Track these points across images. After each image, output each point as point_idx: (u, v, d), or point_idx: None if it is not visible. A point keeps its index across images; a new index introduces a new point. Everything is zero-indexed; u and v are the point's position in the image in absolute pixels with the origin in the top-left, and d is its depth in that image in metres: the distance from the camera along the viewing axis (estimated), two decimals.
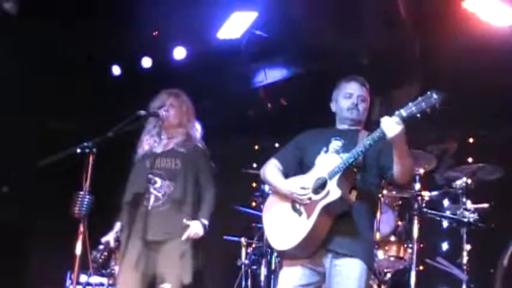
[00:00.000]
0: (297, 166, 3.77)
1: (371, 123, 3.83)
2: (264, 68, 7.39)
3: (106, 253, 4.24)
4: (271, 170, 3.82)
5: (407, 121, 3.26)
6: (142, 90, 5.46)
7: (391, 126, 3.25)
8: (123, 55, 7.15)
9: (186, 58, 7.12)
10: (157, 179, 4.25)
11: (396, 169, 3.44)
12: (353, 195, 3.51)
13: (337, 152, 3.63)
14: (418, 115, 3.21)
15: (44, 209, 6.65)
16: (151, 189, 4.23)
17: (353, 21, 6.16)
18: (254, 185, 7.41)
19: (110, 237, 4.34)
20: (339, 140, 3.69)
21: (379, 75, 5.99)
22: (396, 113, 3.28)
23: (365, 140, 3.43)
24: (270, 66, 7.37)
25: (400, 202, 5.62)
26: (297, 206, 3.61)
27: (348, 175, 3.49)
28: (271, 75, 7.41)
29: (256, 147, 8.33)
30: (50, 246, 6.63)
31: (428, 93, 3.21)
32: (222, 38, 6.71)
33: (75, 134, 4.30)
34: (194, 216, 4.22)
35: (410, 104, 3.24)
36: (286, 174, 3.77)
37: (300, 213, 3.57)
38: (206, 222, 4.25)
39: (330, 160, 3.55)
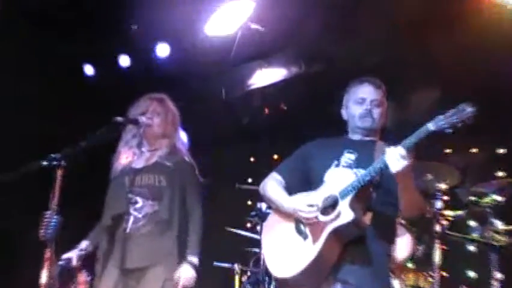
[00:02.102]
0: (303, 182, 3.74)
1: (383, 132, 3.82)
2: (261, 69, 7.35)
3: (65, 272, 4.16)
4: (273, 185, 3.79)
5: (427, 140, 3.25)
6: (119, 93, 5.40)
7: (395, 160, 3.25)
8: (97, 52, 7.10)
9: (170, 56, 7.09)
10: (138, 199, 4.19)
11: (401, 203, 3.46)
12: (368, 218, 3.48)
13: (350, 166, 3.60)
14: (448, 130, 3.20)
15: (5, 234, 6.60)
16: (131, 210, 4.17)
17: (363, 15, 6.14)
18: (249, 203, 7.37)
19: (72, 254, 4.26)
20: (353, 153, 3.66)
21: (393, 76, 5.96)
22: (403, 143, 3.26)
23: (375, 162, 3.41)
24: (268, 66, 7.33)
25: (419, 223, 5.58)
26: (302, 227, 3.58)
27: (362, 194, 3.46)
28: (269, 76, 7.36)
29: (252, 159, 8.30)
30: (11, 274, 6.57)
31: (460, 106, 3.19)
32: (212, 33, 6.66)
33: (41, 144, 4.25)
34: (182, 240, 4.17)
35: (441, 117, 3.22)
36: (290, 191, 3.74)
37: (305, 236, 3.54)
38: (195, 260, 4.19)
39: (342, 176, 3.52)
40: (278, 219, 3.73)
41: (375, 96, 3.74)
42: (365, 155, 3.60)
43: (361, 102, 3.73)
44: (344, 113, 3.84)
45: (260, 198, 4.11)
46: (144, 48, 7.14)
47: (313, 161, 3.74)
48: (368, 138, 3.74)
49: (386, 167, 3.29)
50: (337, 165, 3.63)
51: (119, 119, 4.16)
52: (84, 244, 4.31)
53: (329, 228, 3.43)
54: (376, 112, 3.73)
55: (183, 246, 4.17)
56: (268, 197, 3.80)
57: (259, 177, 3.96)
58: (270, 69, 7.35)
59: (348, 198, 3.43)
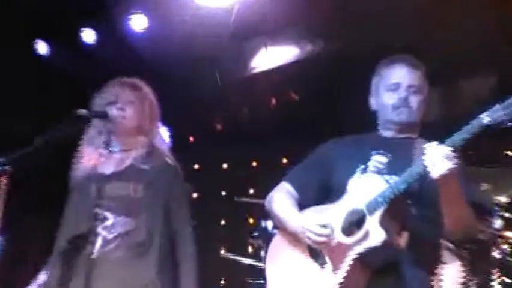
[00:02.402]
0: (321, 192, 3.75)
1: (423, 127, 3.81)
2: (265, 47, 7.37)
3: None
4: (281, 198, 3.80)
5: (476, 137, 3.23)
6: (82, 77, 5.40)
7: (437, 161, 3.24)
8: (52, 25, 7.11)
9: (148, 31, 7.10)
10: (108, 215, 4.16)
11: (444, 219, 3.46)
12: (403, 239, 3.48)
13: (380, 172, 3.60)
14: (509, 124, 3.18)
15: None
16: (98, 229, 4.15)
17: None
18: (251, 220, 7.38)
19: None
20: (384, 155, 3.67)
21: (438, 57, 5.96)
22: (450, 140, 3.25)
23: (414, 166, 3.39)
24: (274, 43, 7.35)
25: (472, 247, 5.60)
26: (319, 251, 3.59)
27: (396, 209, 3.45)
28: (276, 57, 7.38)
29: (254, 163, 8.32)
30: None
31: None
32: (203, 3, 6.69)
33: None
34: (164, 266, 4.16)
35: (498, 106, 3.21)
36: (305, 205, 3.74)
37: (322, 263, 3.56)
38: None
39: (370, 184, 3.51)
40: (287, 242, 3.74)
41: (413, 80, 3.73)
42: (400, 157, 3.60)
43: (394, 89, 3.72)
44: (373, 102, 3.84)
45: (265, 214, 4.12)
46: (115, 21, 7.16)
47: (334, 166, 3.75)
48: (404, 136, 3.74)
49: (426, 171, 3.29)
50: (364, 171, 3.64)
51: (83, 111, 4.13)
52: (43, 276, 4.30)
53: (354, 253, 3.43)
54: (414, 101, 3.71)
55: (166, 274, 4.15)
56: (275, 213, 3.81)
57: (264, 188, 3.97)
58: (278, 47, 7.36)
59: (378, 214, 3.42)
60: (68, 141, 4.12)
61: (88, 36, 7.25)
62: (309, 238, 3.57)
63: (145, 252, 4.12)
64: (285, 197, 3.80)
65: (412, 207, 3.53)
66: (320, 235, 3.53)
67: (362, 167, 3.65)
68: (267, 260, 3.86)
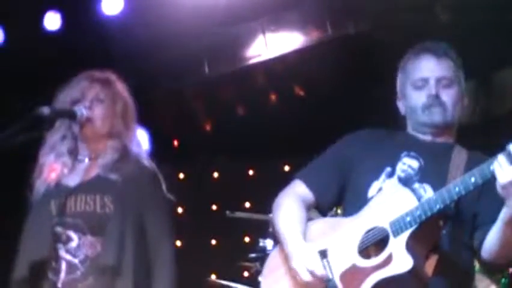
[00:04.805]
0: (340, 195, 3.75)
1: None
2: (264, 32, 7.36)
3: None
4: (291, 208, 3.74)
5: None
6: (44, 70, 5.36)
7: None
8: (10, 9, 7.10)
9: (123, 14, 7.08)
10: (72, 235, 4.17)
11: (495, 241, 3.42)
12: (431, 264, 3.46)
13: (408, 179, 3.59)
14: None
15: None
16: (62, 253, 4.14)
17: None
18: (247, 239, 7.36)
19: None
20: (416, 159, 3.64)
21: (475, 43, 5.95)
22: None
23: (467, 175, 3.34)
24: (275, 28, 7.34)
25: (510, 271, 5.60)
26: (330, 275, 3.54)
27: (428, 230, 3.44)
28: (277, 44, 7.37)
29: (251, 172, 8.32)
30: None
31: None
32: None
33: None
34: None
35: None
36: (323, 211, 3.76)
37: None
38: None
39: (396, 199, 3.48)
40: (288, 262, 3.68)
41: (442, 71, 3.69)
42: (434, 164, 3.60)
43: (422, 86, 3.69)
44: (401, 106, 3.81)
45: (263, 232, 4.08)
46: (83, 3, 7.15)
47: (357, 163, 3.74)
48: (440, 140, 3.70)
49: (485, 180, 3.23)
50: (391, 175, 3.63)
51: (46, 110, 4.09)
52: None
53: (373, 280, 3.40)
54: (447, 95, 3.66)
55: None
56: (277, 224, 3.77)
57: (262, 201, 3.94)
58: (279, 33, 7.36)
59: (405, 236, 3.40)
60: (24, 149, 4.06)
61: (52, 21, 7.23)
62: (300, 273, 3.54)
63: (117, 276, 4.10)
64: (296, 207, 3.75)
65: (445, 228, 3.51)
66: (311, 272, 3.50)
67: (388, 169, 3.65)
68: (262, 283, 3.83)
